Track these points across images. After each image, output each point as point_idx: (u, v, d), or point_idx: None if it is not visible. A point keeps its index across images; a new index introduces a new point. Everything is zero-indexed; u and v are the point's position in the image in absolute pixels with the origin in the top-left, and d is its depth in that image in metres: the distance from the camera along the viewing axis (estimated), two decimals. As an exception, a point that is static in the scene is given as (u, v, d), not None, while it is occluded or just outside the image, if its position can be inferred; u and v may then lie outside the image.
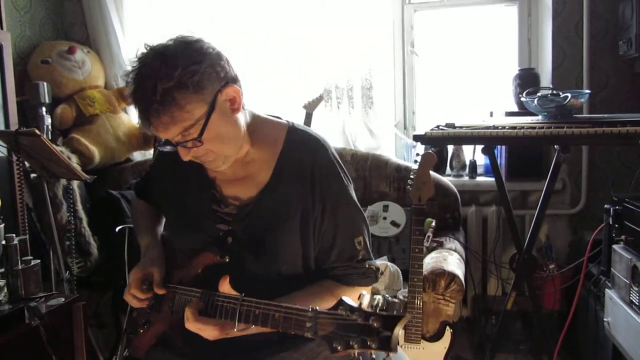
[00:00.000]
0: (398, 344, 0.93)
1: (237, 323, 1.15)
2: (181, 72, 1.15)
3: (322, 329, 1.00)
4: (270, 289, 1.24)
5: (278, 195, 1.31)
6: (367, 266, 1.36)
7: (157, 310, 1.42)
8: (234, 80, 1.25)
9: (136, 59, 1.21)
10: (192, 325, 1.19)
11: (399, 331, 0.92)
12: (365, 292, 1.01)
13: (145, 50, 1.22)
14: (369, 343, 0.93)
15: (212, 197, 1.36)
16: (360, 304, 0.98)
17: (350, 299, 0.99)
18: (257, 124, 1.34)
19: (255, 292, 1.19)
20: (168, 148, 1.26)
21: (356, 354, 0.97)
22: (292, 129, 1.36)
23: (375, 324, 0.93)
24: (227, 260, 1.30)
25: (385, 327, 0.93)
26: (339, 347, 0.96)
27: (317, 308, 1.02)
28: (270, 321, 1.10)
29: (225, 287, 1.20)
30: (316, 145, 1.34)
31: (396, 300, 0.95)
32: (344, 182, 1.35)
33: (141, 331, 1.45)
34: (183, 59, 1.17)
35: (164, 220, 1.59)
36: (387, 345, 0.92)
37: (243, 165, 1.34)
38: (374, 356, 1.10)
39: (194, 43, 1.21)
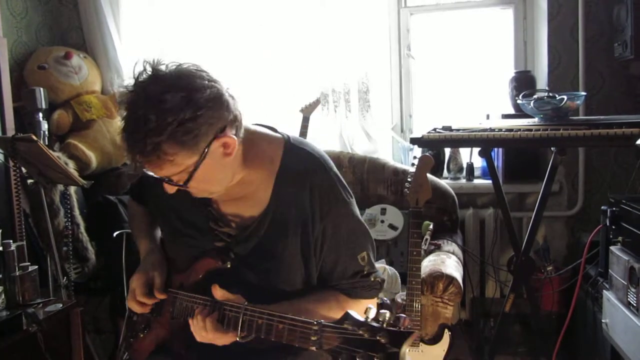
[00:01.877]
0: None
1: (239, 332, 1.14)
2: (175, 128, 1.08)
3: (327, 342, 0.99)
4: (271, 298, 1.24)
5: (278, 217, 1.28)
6: (372, 279, 1.34)
7: (158, 315, 1.41)
8: (232, 123, 1.17)
9: (133, 87, 1.14)
10: (211, 334, 1.18)
11: (406, 348, 0.91)
12: (372, 306, 0.99)
13: (144, 78, 1.14)
14: (375, 359, 0.92)
15: (209, 214, 1.33)
16: (367, 317, 0.96)
17: (356, 313, 0.97)
18: (252, 142, 1.27)
19: (258, 296, 1.20)
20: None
21: None
22: (288, 146, 1.31)
23: (382, 340, 0.92)
24: (229, 265, 1.30)
25: (393, 344, 0.91)
26: None
27: (323, 321, 1.01)
28: (274, 332, 1.09)
29: (219, 293, 1.20)
30: (314, 165, 1.30)
31: (403, 316, 0.94)
32: (345, 200, 1.31)
33: (141, 335, 1.45)
34: (180, 112, 1.08)
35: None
36: None
37: (239, 186, 1.29)
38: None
39: (197, 92, 1.11)
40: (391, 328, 0.93)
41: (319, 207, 1.27)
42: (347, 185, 1.35)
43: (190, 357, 1.35)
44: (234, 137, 1.17)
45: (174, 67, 1.14)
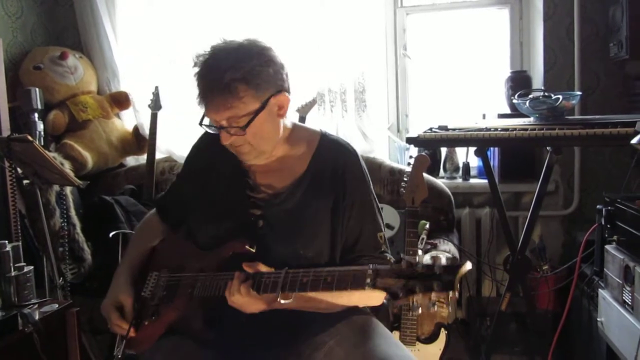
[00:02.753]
0: (459, 288, 1.01)
1: (280, 293, 1.21)
2: (249, 69, 1.28)
3: (382, 281, 1.06)
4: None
5: (311, 186, 1.41)
6: (387, 258, 1.44)
7: (169, 300, 1.43)
8: (288, 90, 1.38)
9: (210, 48, 1.33)
10: (246, 298, 1.24)
11: (460, 275, 0.98)
12: (421, 252, 1.07)
13: (221, 42, 1.34)
14: (434, 286, 0.98)
15: (246, 184, 1.45)
16: (419, 260, 1.03)
17: (408, 257, 1.06)
18: (295, 129, 1.48)
19: None
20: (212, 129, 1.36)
21: (415, 301, 1.01)
22: (324, 135, 1.50)
23: (438, 272, 1.00)
24: (254, 251, 1.36)
25: (447, 273, 0.99)
26: (400, 294, 1.02)
27: (377, 266, 1.09)
28: (322, 284, 1.16)
29: (251, 268, 1.27)
30: (347, 149, 1.48)
31: (451, 256, 1.01)
32: (369, 184, 1.49)
33: (146, 323, 1.45)
34: (254, 58, 1.30)
35: (160, 237, 1.62)
36: (451, 286, 0.98)
37: (278, 160, 1.45)
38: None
39: (266, 49, 1.35)
40: (444, 263, 1.01)
41: (349, 183, 1.42)
42: (369, 176, 1.51)
43: (207, 335, 1.38)
44: (289, 98, 1.38)
45: (247, 41, 1.35)
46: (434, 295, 0.99)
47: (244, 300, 1.25)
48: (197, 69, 1.33)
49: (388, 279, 1.05)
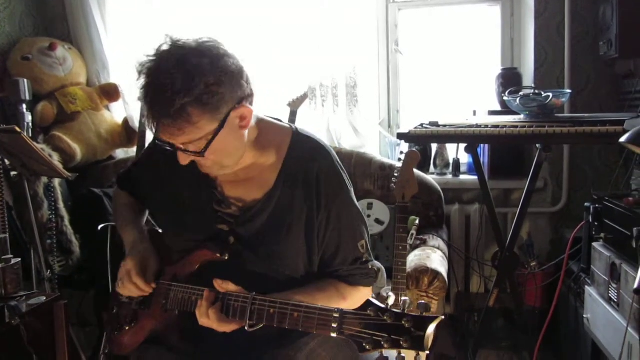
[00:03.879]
0: (430, 344, 0.93)
1: (247, 322, 1.15)
2: (202, 90, 1.12)
3: (348, 329, 1.00)
4: (271, 285, 1.25)
5: (283, 199, 1.31)
6: (369, 267, 1.38)
7: (146, 308, 1.40)
8: (250, 96, 1.24)
9: (155, 55, 1.16)
10: (215, 324, 1.18)
11: (432, 331, 0.92)
12: (392, 294, 1.02)
13: (166, 47, 1.17)
14: (401, 343, 0.93)
15: (214, 196, 1.35)
16: (388, 305, 0.97)
17: (377, 301, 0.99)
18: (262, 129, 1.33)
19: (256, 287, 1.20)
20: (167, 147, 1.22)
21: (383, 353, 0.97)
22: (296, 134, 1.36)
23: (407, 325, 0.94)
24: (226, 258, 1.30)
25: (417, 328, 0.93)
26: (367, 347, 0.97)
27: (343, 309, 1.02)
28: (289, 320, 1.10)
29: (222, 286, 1.20)
30: (321, 152, 1.35)
31: (424, 302, 0.96)
32: (347, 188, 1.37)
33: (127, 328, 1.44)
34: (206, 75, 1.13)
35: (147, 213, 1.57)
36: (420, 345, 0.92)
37: (246, 169, 1.33)
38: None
39: (221, 59, 1.17)
40: (415, 313, 0.94)
41: (324, 193, 1.31)
42: (348, 176, 1.40)
43: (187, 348, 1.34)
44: (251, 107, 1.23)
45: (192, 39, 1.18)
46: (402, 352, 0.94)
47: (214, 325, 1.19)
48: (142, 81, 1.16)
49: (355, 327, 0.99)
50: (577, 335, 2.35)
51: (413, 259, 2.31)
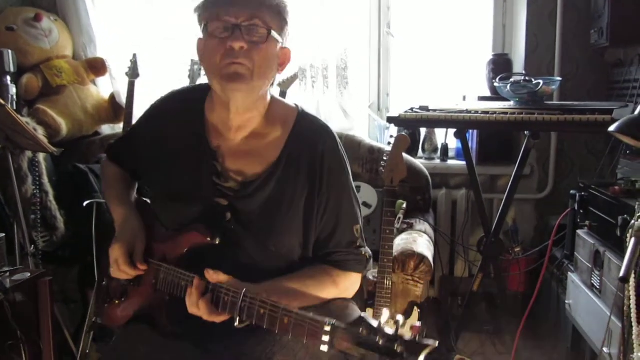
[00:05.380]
0: None
1: (237, 318, 1.14)
2: (288, 12, 1.27)
3: (339, 343, 0.99)
4: (264, 270, 1.24)
5: (285, 176, 1.31)
6: (362, 253, 1.39)
7: (137, 285, 1.38)
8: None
9: None
10: (205, 316, 1.17)
11: (423, 358, 0.90)
12: (386, 310, 0.99)
13: None
14: None
15: (213, 168, 1.32)
16: (380, 323, 0.96)
17: (370, 317, 0.97)
18: (273, 103, 1.36)
19: (249, 273, 1.19)
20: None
21: None
22: (301, 113, 1.38)
23: (399, 349, 0.92)
24: (217, 242, 1.27)
25: (410, 352, 0.91)
26: None
27: (335, 322, 1.01)
28: (279, 325, 1.08)
29: (213, 277, 1.18)
30: (325, 133, 1.36)
31: (418, 324, 0.94)
32: (348, 173, 1.38)
33: (117, 302, 1.42)
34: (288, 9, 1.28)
35: (135, 187, 1.54)
36: None
37: (252, 138, 1.33)
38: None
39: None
40: (408, 338, 0.92)
41: (327, 174, 1.32)
42: (348, 159, 1.41)
43: (172, 329, 1.32)
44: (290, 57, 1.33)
45: None
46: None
47: (204, 314, 1.17)
48: None
49: (345, 342, 0.98)
50: (559, 320, 2.39)
51: (399, 242, 2.33)
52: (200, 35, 1.28)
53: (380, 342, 0.93)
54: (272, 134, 1.33)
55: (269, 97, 1.35)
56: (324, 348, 1.00)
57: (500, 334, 2.62)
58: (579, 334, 2.14)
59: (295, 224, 1.31)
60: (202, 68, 1.35)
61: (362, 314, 0.99)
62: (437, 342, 0.91)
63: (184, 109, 1.39)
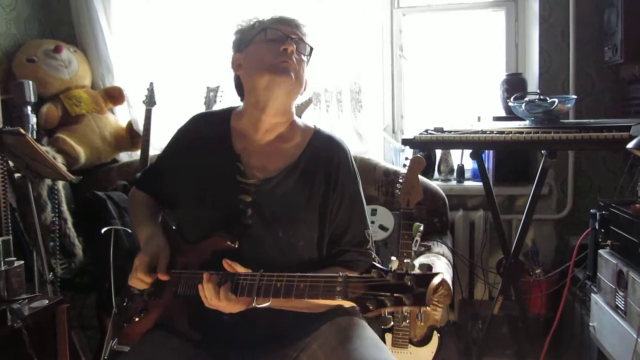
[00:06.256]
0: (432, 300, 0.96)
1: (255, 298, 1.19)
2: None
3: (352, 292, 1.04)
4: (284, 266, 1.27)
5: (304, 175, 1.42)
6: (372, 256, 1.46)
7: (157, 297, 1.42)
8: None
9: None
10: (224, 303, 1.22)
11: (433, 287, 0.95)
12: (394, 258, 1.04)
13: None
14: (403, 300, 0.96)
15: (237, 169, 1.42)
16: (391, 267, 1.01)
17: (379, 266, 1.04)
18: (295, 119, 1.53)
19: (270, 270, 1.23)
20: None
21: (386, 313, 0.99)
22: (319, 130, 1.53)
23: (409, 283, 0.96)
24: (236, 246, 1.34)
25: (419, 285, 0.96)
26: (371, 307, 0.99)
27: (347, 274, 1.06)
28: (295, 291, 1.14)
29: (230, 267, 1.26)
30: (341, 146, 1.51)
31: (426, 263, 0.98)
32: (360, 184, 1.51)
33: (137, 319, 1.45)
34: None
35: (161, 213, 1.61)
36: (422, 300, 0.95)
37: (275, 141, 1.46)
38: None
39: None
40: (416, 272, 0.97)
41: (341, 178, 1.45)
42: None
43: (193, 335, 1.36)
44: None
45: None
46: (405, 309, 0.96)
47: (223, 304, 1.23)
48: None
49: (358, 289, 1.02)
50: (583, 343, 2.33)
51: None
52: (231, 52, 1.54)
53: (391, 282, 0.98)
54: (293, 140, 1.48)
55: (293, 111, 1.51)
56: (338, 299, 1.05)
57: (522, 358, 2.56)
58: (605, 357, 2.08)
59: (311, 216, 1.40)
60: (241, 76, 1.50)
61: (373, 262, 1.04)
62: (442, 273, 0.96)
63: (210, 122, 1.54)
